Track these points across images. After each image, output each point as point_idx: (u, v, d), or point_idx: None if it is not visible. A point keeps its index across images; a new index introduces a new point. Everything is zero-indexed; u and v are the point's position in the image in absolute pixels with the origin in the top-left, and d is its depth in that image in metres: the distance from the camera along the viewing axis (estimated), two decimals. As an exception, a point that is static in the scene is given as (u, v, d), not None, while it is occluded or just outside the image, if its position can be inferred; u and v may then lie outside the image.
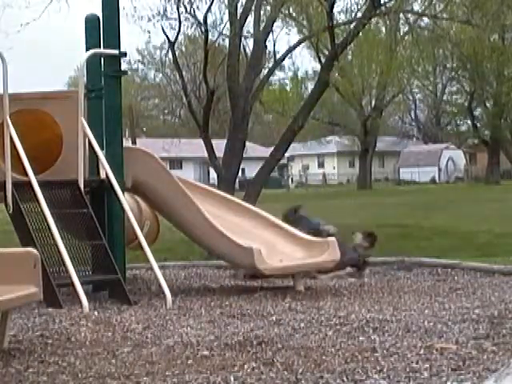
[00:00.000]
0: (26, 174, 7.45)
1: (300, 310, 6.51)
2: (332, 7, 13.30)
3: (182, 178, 8.63)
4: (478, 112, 50.43)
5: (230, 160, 13.29)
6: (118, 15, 8.15)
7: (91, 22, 8.33)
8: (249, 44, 14.99)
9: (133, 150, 8.63)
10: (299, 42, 17.30)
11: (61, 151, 7.96)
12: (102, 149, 7.91)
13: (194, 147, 46.82)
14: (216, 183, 14.90)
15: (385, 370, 4.39)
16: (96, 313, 6.56)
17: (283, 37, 77.71)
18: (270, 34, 15.03)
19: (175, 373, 4.48)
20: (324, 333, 5.47)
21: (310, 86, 42.73)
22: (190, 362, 4.74)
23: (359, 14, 14.24)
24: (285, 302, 6.98)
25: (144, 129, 62.40)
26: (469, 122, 51.64)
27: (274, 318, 6.14)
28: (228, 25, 13.96)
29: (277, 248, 8.17)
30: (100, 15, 8.14)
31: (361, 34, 16.47)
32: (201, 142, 15.10)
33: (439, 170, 57.21)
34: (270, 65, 17.19)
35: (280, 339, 5.27)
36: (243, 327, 5.76)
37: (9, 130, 7.53)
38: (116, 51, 8.02)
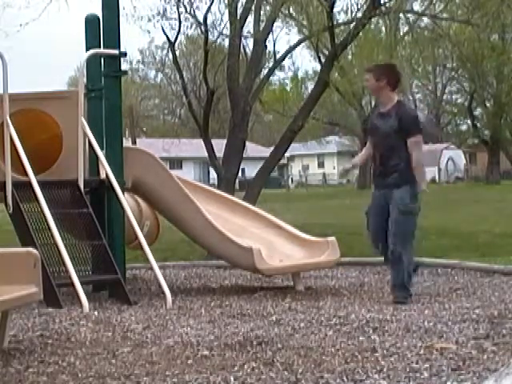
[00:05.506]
0: (26, 174, 7.45)
1: (300, 310, 6.50)
2: (332, 7, 13.28)
3: (182, 177, 8.63)
4: (477, 112, 50.33)
5: (229, 160, 13.27)
6: (118, 15, 8.15)
7: (91, 22, 8.34)
8: (249, 44, 14.99)
9: (133, 150, 8.64)
10: (299, 42, 17.29)
11: (61, 151, 7.96)
12: (101, 149, 7.91)
13: (194, 147, 46.81)
14: (216, 183, 14.89)
15: (385, 369, 4.39)
16: (96, 313, 6.56)
17: (283, 37, 77.78)
18: (270, 34, 15.02)
19: (175, 373, 4.48)
20: (324, 333, 5.47)
21: (310, 86, 42.73)
22: (189, 361, 4.74)
23: (359, 14, 14.20)
24: (285, 302, 6.98)
25: (144, 129, 62.42)
26: (469, 121, 51.56)
27: (273, 317, 6.14)
28: (228, 25, 13.94)
29: (277, 248, 8.17)
30: (100, 15, 8.14)
31: (361, 34, 16.44)
32: (201, 142, 15.09)
33: (439, 169, 57.10)
34: (270, 65, 17.16)
35: (280, 339, 5.27)
36: (243, 327, 5.76)
37: (9, 130, 7.53)
38: (116, 51, 8.01)
